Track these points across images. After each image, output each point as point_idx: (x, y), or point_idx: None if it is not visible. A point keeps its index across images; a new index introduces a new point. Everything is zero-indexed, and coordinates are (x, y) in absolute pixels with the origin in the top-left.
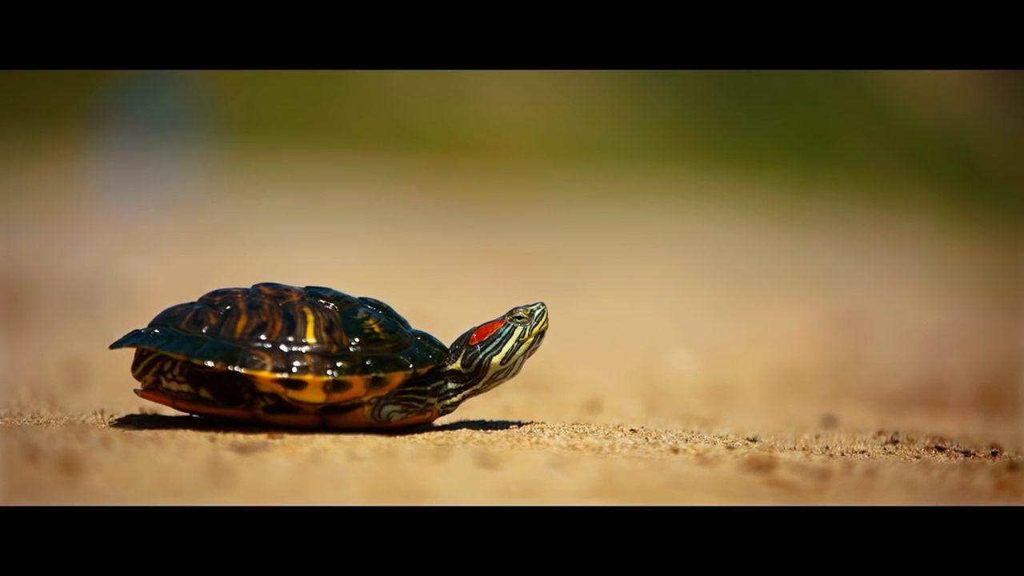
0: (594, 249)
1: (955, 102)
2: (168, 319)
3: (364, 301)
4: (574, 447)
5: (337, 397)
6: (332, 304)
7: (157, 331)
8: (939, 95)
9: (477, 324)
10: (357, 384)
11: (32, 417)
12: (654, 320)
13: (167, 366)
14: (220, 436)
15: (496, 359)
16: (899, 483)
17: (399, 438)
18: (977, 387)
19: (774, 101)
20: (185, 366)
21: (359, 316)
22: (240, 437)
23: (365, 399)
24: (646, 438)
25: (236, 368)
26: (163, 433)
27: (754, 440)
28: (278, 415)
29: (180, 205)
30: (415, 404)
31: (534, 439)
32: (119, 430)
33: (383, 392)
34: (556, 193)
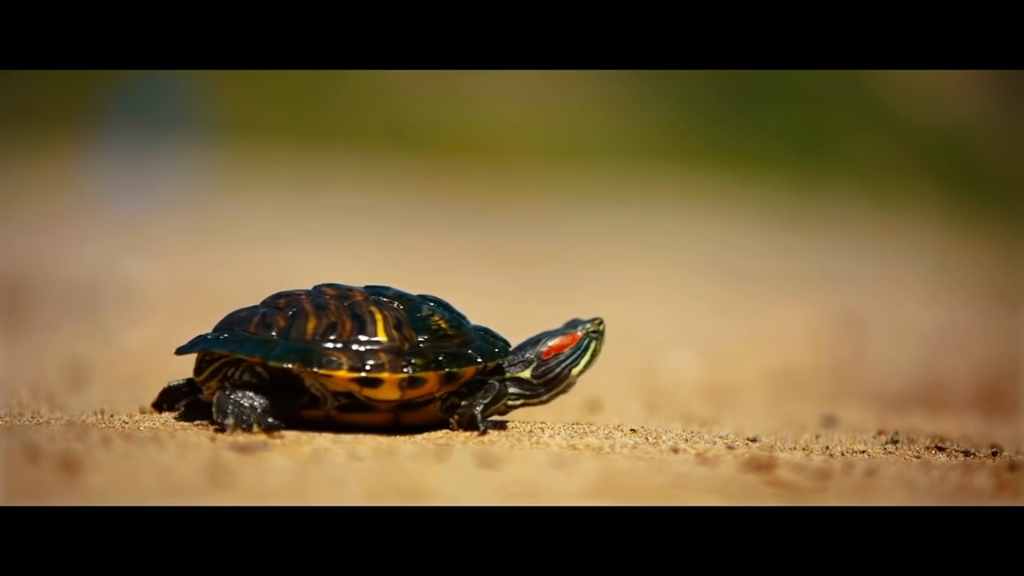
0: (594, 249)
1: (955, 102)
2: (235, 323)
3: (424, 298)
4: (574, 447)
5: (411, 394)
6: (396, 302)
7: (225, 335)
8: (939, 95)
9: (534, 334)
10: (431, 380)
11: (32, 417)
12: (654, 320)
13: (232, 371)
14: (220, 436)
15: (575, 371)
16: (899, 483)
17: (399, 438)
18: (977, 387)
19: (774, 101)
20: (253, 369)
21: (424, 313)
22: (240, 437)
23: (437, 395)
24: (646, 438)
25: (314, 369)
26: (163, 433)
27: (754, 440)
28: (351, 414)
29: (180, 205)
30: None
31: (534, 439)
32: (119, 430)
33: (454, 387)
34: (556, 193)
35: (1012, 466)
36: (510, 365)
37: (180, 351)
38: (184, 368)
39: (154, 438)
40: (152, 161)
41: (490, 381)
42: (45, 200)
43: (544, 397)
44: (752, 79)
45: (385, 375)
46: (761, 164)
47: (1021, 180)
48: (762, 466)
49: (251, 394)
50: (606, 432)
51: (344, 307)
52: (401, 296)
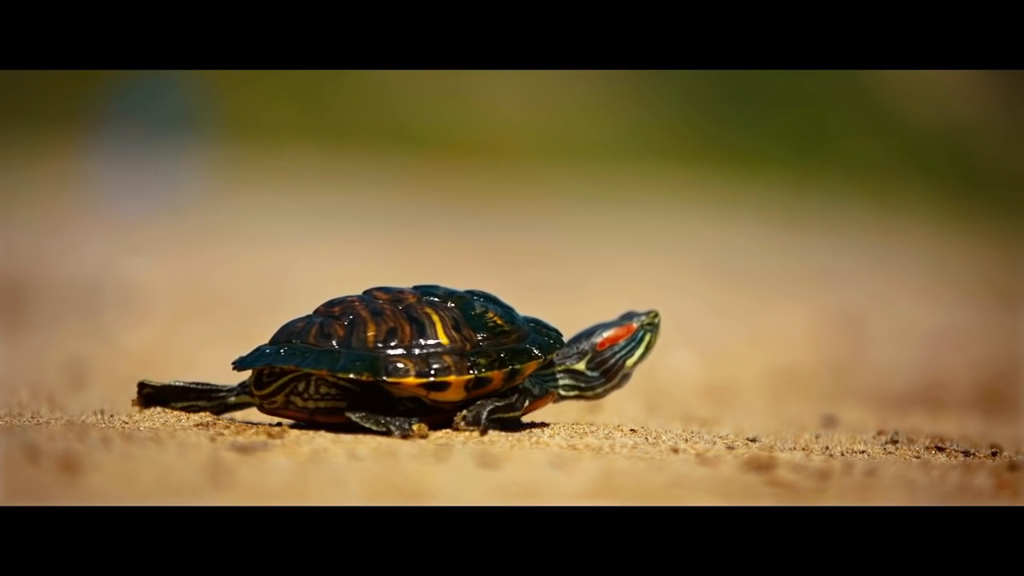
0: (594, 249)
1: (955, 102)
2: (292, 334)
3: (472, 294)
4: (574, 447)
5: (476, 393)
6: (448, 301)
7: (284, 349)
8: (939, 95)
9: (589, 325)
10: (496, 378)
11: (32, 417)
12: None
13: (301, 385)
14: (220, 436)
15: (630, 362)
16: (899, 483)
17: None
18: (977, 387)
19: (774, 101)
20: (326, 381)
21: (477, 311)
22: (240, 437)
23: (502, 391)
24: (646, 438)
25: (383, 378)
26: (163, 433)
27: (754, 440)
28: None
29: (180, 205)
30: (546, 386)
31: (534, 439)
32: (119, 430)
33: (515, 383)
34: (556, 193)
35: (1012, 466)
36: (564, 357)
37: (241, 366)
38: (184, 368)
39: (154, 438)
40: (152, 161)
41: (522, 386)
42: (45, 200)
43: (599, 390)
44: (752, 79)
45: (452, 378)
46: (761, 164)
47: (1021, 180)
48: (762, 466)
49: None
50: (606, 432)
51: (399, 311)
52: (451, 294)
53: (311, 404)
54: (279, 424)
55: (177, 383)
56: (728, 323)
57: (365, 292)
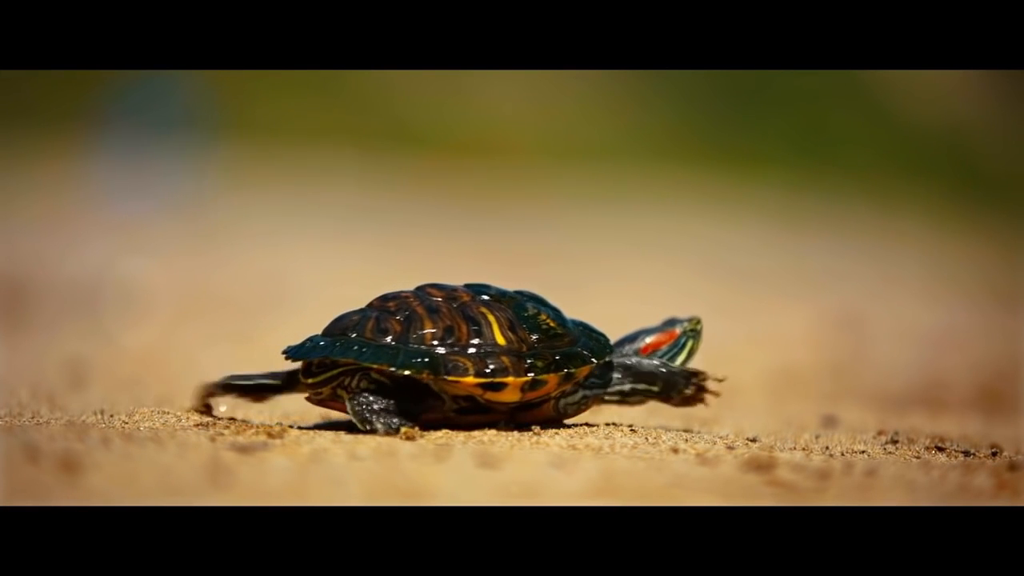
0: (594, 249)
1: (955, 102)
2: (347, 327)
3: (522, 294)
4: (574, 447)
5: (531, 395)
6: (501, 302)
7: (341, 341)
8: (939, 95)
9: (631, 331)
10: (551, 381)
11: (32, 417)
12: (654, 320)
13: (349, 379)
14: (220, 436)
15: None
16: (899, 483)
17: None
18: (977, 387)
19: (774, 101)
20: (370, 375)
21: (530, 312)
22: (240, 437)
23: (554, 394)
24: (646, 438)
25: (443, 376)
26: (163, 433)
27: (754, 440)
28: (470, 416)
29: (180, 205)
30: (588, 396)
31: (534, 439)
32: (119, 430)
33: (569, 386)
34: (556, 193)
35: (1012, 466)
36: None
37: (294, 355)
38: (184, 368)
39: (154, 438)
40: (152, 162)
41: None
42: (46, 200)
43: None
44: (752, 79)
45: (510, 379)
46: (761, 164)
47: (1021, 180)
48: (762, 466)
49: (384, 399)
50: (606, 432)
51: (455, 308)
52: (503, 294)
53: None
54: (279, 424)
55: (238, 379)
56: (728, 323)
57: (418, 288)
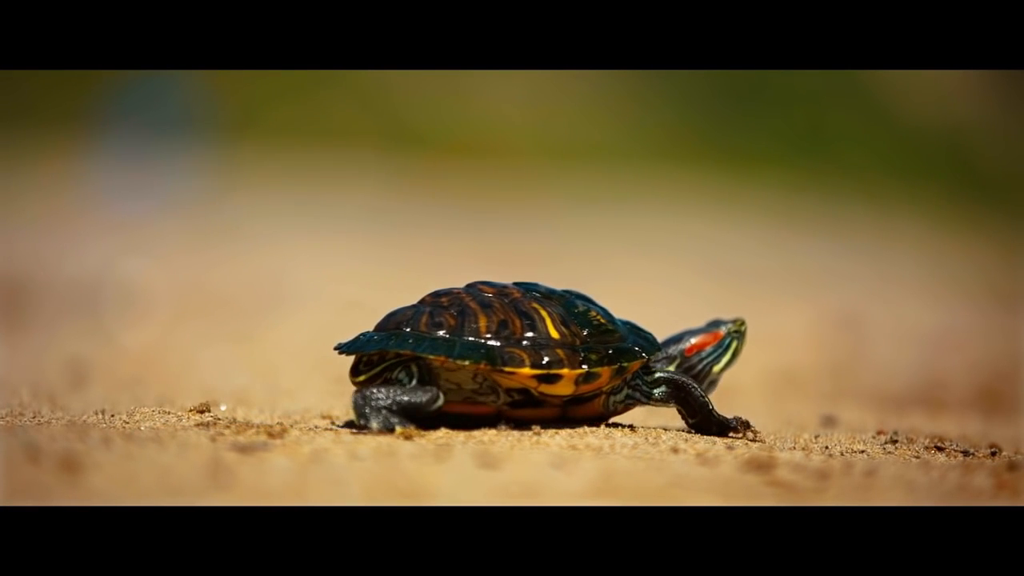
0: (594, 249)
1: (955, 102)
2: (401, 322)
3: (570, 293)
4: (574, 447)
5: (584, 388)
6: (552, 299)
7: (396, 335)
8: (939, 95)
9: (676, 332)
10: (604, 375)
11: (33, 417)
12: (654, 320)
13: (390, 374)
14: (220, 436)
15: (716, 368)
16: (899, 483)
17: (399, 438)
18: (977, 387)
19: (774, 101)
20: (408, 369)
21: (580, 309)
22: (240, 437)
23: (605, 389)
24: (646, 438)
25: (500, 367)
26: (163, 433)
27: (754, 440)
28: (523, 410)
29: (180, 205)
30: (637, 392)
31: (534, 439)
32: (120, 430)
33: (619, 381)
34: (556, 193)
35: (1011, 466)
36: (654, 362)
37: (347, 350)
38: (183, 368)
39: (154, 438)
40: (152, 161)
41: (680, 380)
42: (45, 200)
43: None
44: (752, 79)
45: (565, 371)
46: (760, 164)
47: (1021, 180)
48: (762, 466)
49: (388, 394)
50: (606, 432)
51: (507, 304)
52: (551, 292)
53: None
54: (279, 424)
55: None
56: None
57: (468, 285)
